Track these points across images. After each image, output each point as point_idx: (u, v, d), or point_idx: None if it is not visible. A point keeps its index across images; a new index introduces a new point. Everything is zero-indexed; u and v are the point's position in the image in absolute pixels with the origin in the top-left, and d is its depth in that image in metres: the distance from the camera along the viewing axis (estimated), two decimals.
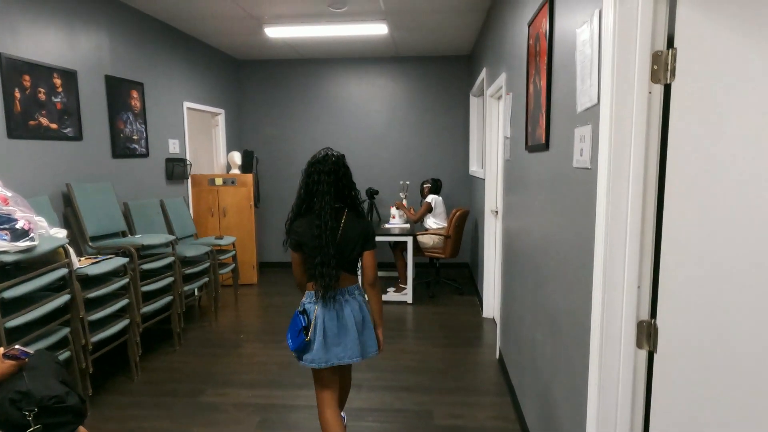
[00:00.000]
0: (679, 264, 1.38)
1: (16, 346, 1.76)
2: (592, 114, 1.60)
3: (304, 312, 2.16)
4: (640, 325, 1.47)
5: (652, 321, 1.45)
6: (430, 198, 5.45)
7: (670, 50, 1.35)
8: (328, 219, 2.09)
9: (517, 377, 2.97)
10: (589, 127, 1.61)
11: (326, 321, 2.12)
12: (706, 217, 1.34)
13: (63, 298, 2.65)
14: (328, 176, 2.11)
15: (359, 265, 2.24)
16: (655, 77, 1.38)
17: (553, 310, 2.11)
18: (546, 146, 2.18)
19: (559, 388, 2.02)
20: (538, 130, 2.31)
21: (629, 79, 1.40)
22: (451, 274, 6.31)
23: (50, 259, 2.64)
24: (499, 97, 4.17)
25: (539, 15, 2.29)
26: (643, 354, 1.49)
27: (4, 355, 1.73)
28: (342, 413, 2.39)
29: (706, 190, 1.33)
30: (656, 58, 1.38)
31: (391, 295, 5.26)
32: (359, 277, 2.24)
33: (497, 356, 3.71)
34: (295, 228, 2.17)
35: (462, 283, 5.91)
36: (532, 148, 2.49)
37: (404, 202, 5.78)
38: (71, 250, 2.73)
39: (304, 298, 2.21)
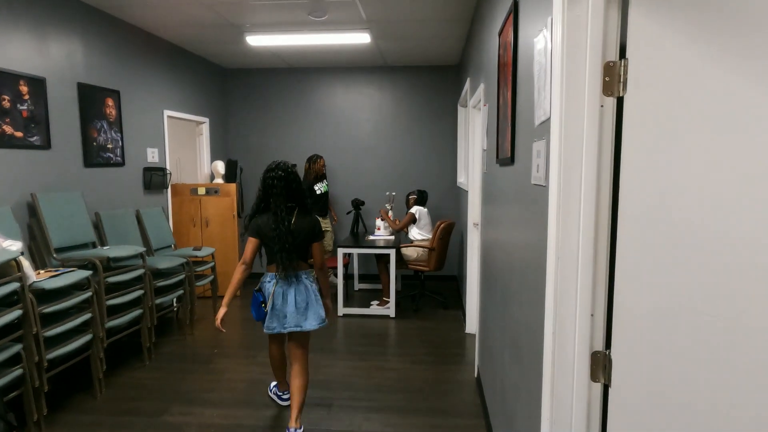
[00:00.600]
0: (635, 291, 1.28)
1: None
2: (546, 128, 1.50)
3: (260, 290, 2.78)
4: (594, 356, 1.37)
5: (607, 352, 1.35)
6: (415, 209, 5.36)
7: (623, 61, 1.26)
8: (284, 215, 2.67)
9: (490, 398, 2.86)
10: (544, 141, 1.51)
11: (277, 299, 2.72)
12: (663, 240, 1.24)
13: (14, 314, 2.54)
14: (281, 181, 2.68)
15: (309, 253, 2.82)
16: (607, 90, 1.29)
17: (515, 330, 2.01)
18: (511, 160, 2.09)
19: (521, 415, 1.91)
20: (506, 144, 2.22)
21: (580, 92, 1.30)
22: (438, 287, 6.20)
23: (4, 272, 2.54)
24: (480, 108, 4.09)
25: (506, 24, 2.21)
26: (598, 387, 1.38)
27: None
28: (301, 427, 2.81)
29: (662, 210, 1.23)
30: (608, 69, 1.28)
31: (374, 308, 5.15)
32: (308, 264, 2.82)
33: (476, 375, 3.59)
34: (256, 222, 2.73)
35: (448, 296, 5.80)
36: (501, 161, 2.40)
37: (390, 213, 5.68)
38: (25, 263, 2.63)
39: (264, 278, 2.80)
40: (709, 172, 1.15)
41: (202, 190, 5.53)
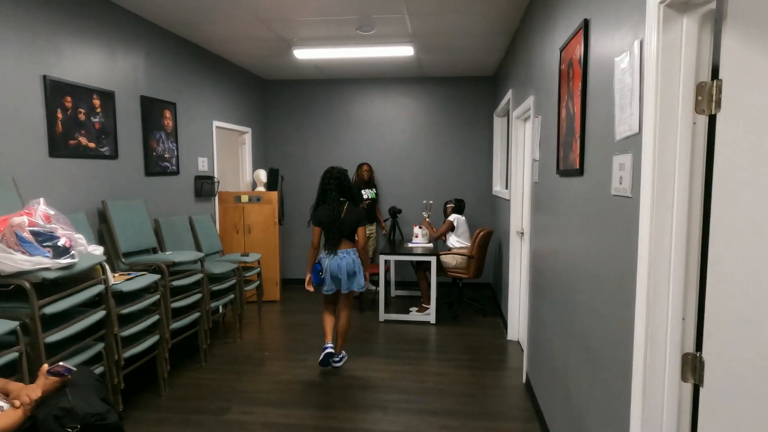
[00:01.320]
0: (727, 296, 1.36)
1: (60, 363, 1.80)
2: (632, 143, 1.60)
3: (319, 262, 3.82)
4: (684, 357, 1.45)
5: (698, 354, 1.43)
6: (452, 217, 5.45)
7: (715, 81, 1.35)
8: (336, 206, 3.73)
9: (546, 403, 2.92)
10: (630, 155, 1.60)
11: (332, 268, 3.75)
12: (754, 250, 1.32)
13: (99, 314, 2.70)
14: (334, 181, 3.74)
15: (355, 236, 3.82)
16: (699, 108, 1.38)
17: (587, 337, 2.09)
18: (580, 172, 2.18)
19: (594, 416, 1.98)
20: (572, 155, 2.31)
21: (673, 110, 1.40)
22: (473, 294, 6.27)
23: (88, 275, 2.71)
24: (526, 119, 4.18)
25: (572, 41, 2.31)
26: (688, 387, 1.46)
27: (48, 372, 1.78)
28: (342, 352, 3.99)
29: (754, 221, 1.32)
30: (700, 88, 1.37)
31: (413, 314, 5.24)
32: (355, 244, 3.84)
33: (524, 380, 3.66)
34: (316, 214, 3.79)
35: (485, 303, 5.86)
36: (564, 172, 2.48)
37: (427, 221, 5.79)
38: (107, 267, 2.80)
39: (321, 254, 3.84)
40: None
41: (245, 198, 5.71)
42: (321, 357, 3.75)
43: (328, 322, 3.91)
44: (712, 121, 1.38)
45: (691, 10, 1.36)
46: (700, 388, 1.42)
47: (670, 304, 1.44)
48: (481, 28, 4.34)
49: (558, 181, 2.63)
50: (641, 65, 1.52)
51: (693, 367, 1.44)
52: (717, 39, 1.36)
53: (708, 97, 1.37)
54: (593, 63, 2.05)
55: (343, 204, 3.74)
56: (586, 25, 2.12)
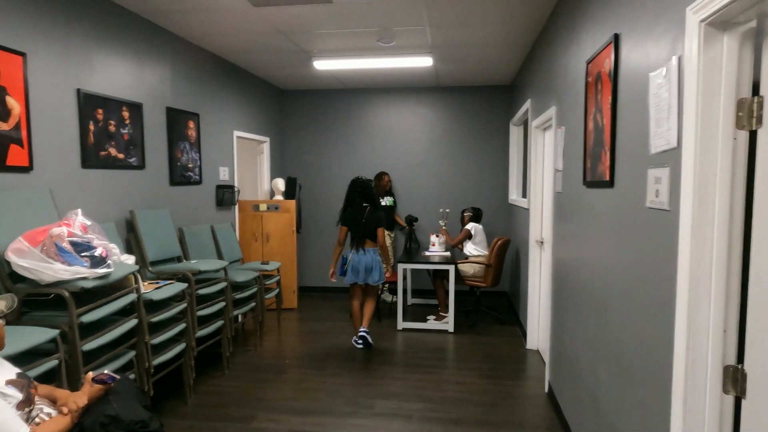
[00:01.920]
0: None
1: (105, 371, 1.85)
2: (669, 157, 1.62)
3: (345, 256, 4.54)
4: (726, 369, 1.46)
5: (740, 366, 1.44)
6: (470, 225, 5.48)
7: (756, 98, 1.38)
8: (360, 210, 4.47)
9: (572, 413, 2.93)
10: (667, 169, 1.63)
11: (353, 262, 4.47)
12: None
13: (132, 322, 2.76)
14: (360, 188, 4.53)
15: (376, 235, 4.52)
16: (739, 123, 1.41)
17: (619, 348, 2.10)
18: (610, 183, 2.20)
19: (627, 428, 1.99)
20: (600, 167, 2.34)
21: (713, 125, 1.42)
22: (490, 303, 6.27)
23: (120, 284, 2.76)
24: (545, 129, 4.20)
25: (601, 54, 2.34)
26: (729, 399, 1.47)
27: (93, 380, 1.82)
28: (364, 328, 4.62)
29: None
30: (741, 104, 1.40)
31: (431, 323, 5.25)
32: (376, 243, 4.55)
33: (546, 390, 3.66)
34: (344, 215, 4.54)
35: (502, 312, 5.86)
36: (591, 183, 2.51)
37: (444, 228, 5.82)
38: (140, 276, 2.85)
39: (348, 250, 4.56)
40: None
41: (263, 207, 5.77)
42: (361, 342, 4.55)
43: (355, 312, 4.64)
44: (752, 136, 1.40)
45: (731, 28, 1.39)
46: (742, 400, 1.44)
47: (711, 317, 1.46)
48: (500, 40, 4.39)
49: (585, 192, 2.65)
50: (680, 81, 1.55)
51: (734, 379, 1.45)
52: (758, 56, 1.39)
53: (748, 113, 1.39)
54: (624, 77, 2.08)
55: (365, 209, 4.47)
56: (616, 39, 2.15)
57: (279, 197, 6.09)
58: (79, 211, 2.56)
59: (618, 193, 2.13)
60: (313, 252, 6.89)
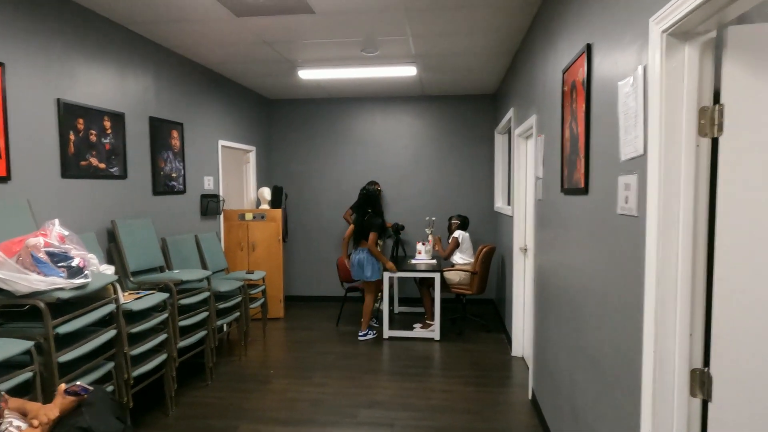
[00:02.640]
0: (732, 311, 1.40)
1: (78, 383, 1.83)
2: (637, 164, 1.65)
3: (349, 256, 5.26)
4: (693, 373, 1.48)
5: (706, 369, 1.46)
6: (458, 233, 5.50)
7: (717, 105, 1.41)
8: (361, 214, 5.14)
9: (553, 419, 2.94)
10: (635, 176, 1.66)
11: (351, 260, 5.16)
12: (757, 266, 1.37)
13: (110, 333, 2.73)
14: (363, 194, 5.26)
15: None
16: (702, 131, 1.44)
17: (595, 352, 2.12)
18: (585, 191, 2.23)
19: (603, 430, 2.00)
20: (576, 174, 2.37)
21: (677, 133, 1.46)
22: (476, 310, 6.28)
23: (99, 294, 2.74)
24: (528, 137, 4.25)
25: (575, 64, 2.38)
26: (696, 402, 1.49)
27: (66, 391, 1.80)
28: (367, 330, 5.23)
29: (756, 239, 1.37)
30: (703, 112, 1.43)
31: (417, 331, 5.25)
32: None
33: (530, 397, 3.66)
34: (352, 218, 5.31)
35: (488, 319, 5.87)
36: (568, 191, 2.54)
37: (430, 238, 5.84)
38: (119, 287, 2.83)
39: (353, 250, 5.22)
40: None
41: (249, 216, 5.76)
42: (362, 340, 5.13)
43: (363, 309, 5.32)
44: (714, 143, 1.43)
45: (692, 39, 1.43)
46: (709, 403, 1.46)
47: (677, 321, 1.48)
48: (482, 49, 4.44)
49: (563, 199, 2.68)
50: (645, 90, 1.58)
51: (701, 382, 1.47)
52: (718, 65, 1.42)
53: (710, 121, 1.42)
54: (596, 86, 2.12)
55: (368, 213, 5.10)
56: (589, 49, 2.19)
57: (265, 206, 6.08)
58: (57, 221, 2.54)
59: (592, 200, 2.16)
60: (301, 261, 6.87)
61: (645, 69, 1.58)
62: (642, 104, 1.60)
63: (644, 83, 1.58)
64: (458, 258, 5.52)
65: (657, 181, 1.48)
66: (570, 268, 2.54)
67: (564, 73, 2.61)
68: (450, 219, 5.78)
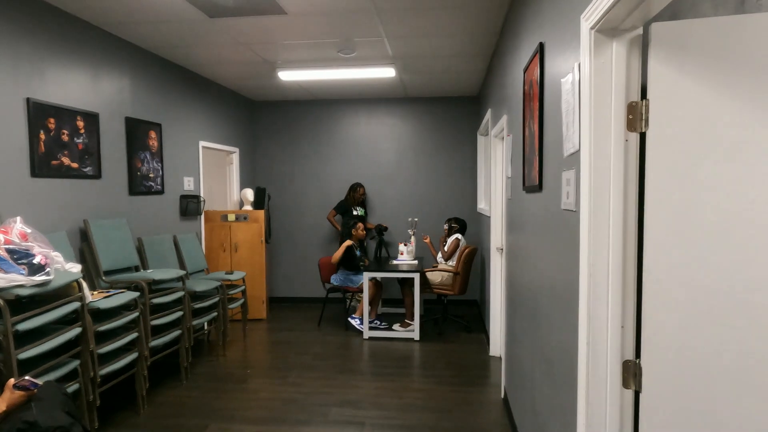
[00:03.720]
0: (662, 304, 1.42)
1: (26, 377, 1.84)
2: (575, 159, 1.67)
3: None
4: (625, 364, 1.50)
5: (637, 360, 1.48)
6: (458, 235, 5.54)
7: (644, 101, 1.44)
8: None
9: (520, 417, 2.95)
10: (573, 171, 1.68)
11: (340, 283, 5.56)
12: (682, 258, 1.39)
13: (74, 331, 2.74)
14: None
15: None
16: (630, 126, 1.46)
17: (548, 349, 2.14)
18: (539, 188, 2.26)
19: (554, 427, 2.02)
20: (533, 172, 2.39)
21: (606, 128, 1.48)
22: (459, 311, 6.30)
23: (65, 292, 2.75)
24: (502, 138, 4.28)
25: (532, 63, 2.41)
26: (629, 394, 1.51)
27: (15, 386, 1.81)
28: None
29: (680, 231, 1.39)
30: (631, 108, 1.46)
31: (397, 331, 5.26)
32: None
33: (502, 395, 3.68)
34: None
35: (470, 320, 5.89)
36: (528, 189, 2.56)
37: (412, 239, 5.85)
38: (84, 285, 2.84)
39: None
40: (722, 195, 1.32)
41: (232, 217, 5.77)
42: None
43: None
44: (643, 138, 1.46)
45: (619, 35, 1.45)
46: (640, 394, 1.48)
47: (609, 313, 1.50)
48: (459, 51, 4.47)
49: (524, 197, 2.71)
50: (579, 87, 1.61)
51: (633, 373, 1.49)
52: (645, 61, 1.45)
53: (638, 116, 1.45)
54: (548, 84, 2.14)
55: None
56: (541, 48, 2.22)
57: (248, 207, 6.09)
58: (19, 218, 2.55)
59: (545, 197, 2.18)
60: (284, 262, 6.88)
61: (579, 66, 1.61)
62: (578, 100, 1.62)
63: (579, 80, 1.61)
64: (441, 258, 5.53)
65: (588, 176, 1.50)
66: (531, 266, 2.56)
67: (524, 73, 2.64)
68: (449, 222, 5.75)
